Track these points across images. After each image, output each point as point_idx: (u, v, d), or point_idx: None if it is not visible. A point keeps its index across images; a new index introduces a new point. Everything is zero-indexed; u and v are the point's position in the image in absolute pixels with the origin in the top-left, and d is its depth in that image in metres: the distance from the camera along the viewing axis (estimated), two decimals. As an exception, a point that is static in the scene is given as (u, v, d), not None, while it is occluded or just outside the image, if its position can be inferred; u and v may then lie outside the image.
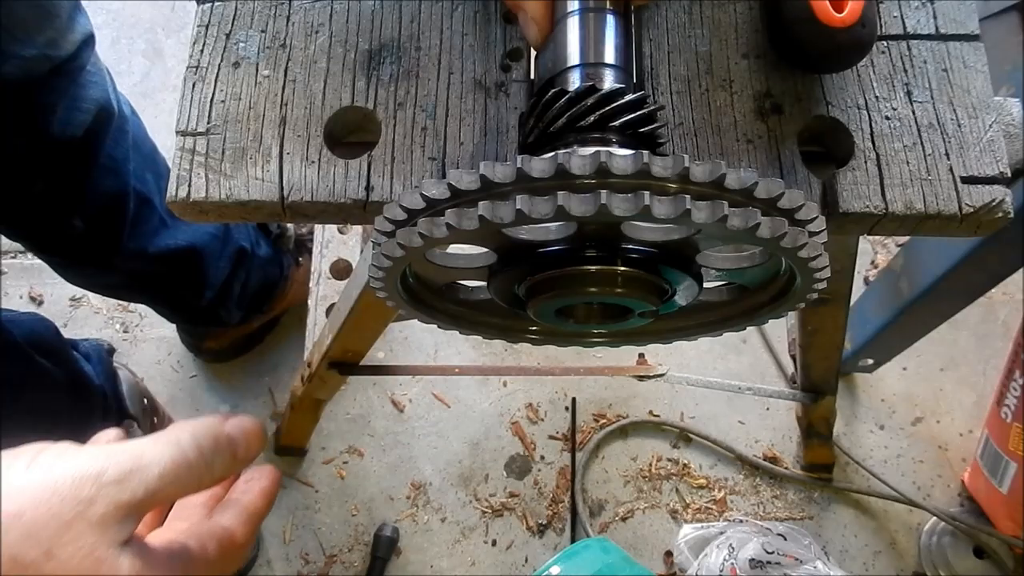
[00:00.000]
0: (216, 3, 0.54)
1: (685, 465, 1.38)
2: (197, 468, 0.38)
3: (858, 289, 1.38)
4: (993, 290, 1.07)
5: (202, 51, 0.53)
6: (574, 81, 0.45)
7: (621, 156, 0.36)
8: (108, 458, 0.36)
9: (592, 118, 0.43)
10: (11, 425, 0.87)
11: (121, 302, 1.48)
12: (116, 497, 0.35)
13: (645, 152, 0.36)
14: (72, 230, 0.99)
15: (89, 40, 0.89)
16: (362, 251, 1.18)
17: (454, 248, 0.46)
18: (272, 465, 0.46)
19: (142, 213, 1.04)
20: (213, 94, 0.52)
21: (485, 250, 0.46)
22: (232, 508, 0.43)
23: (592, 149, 0.38)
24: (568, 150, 0.42)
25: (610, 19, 0.47)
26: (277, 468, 0.44)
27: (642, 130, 0.44)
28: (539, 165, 0.36)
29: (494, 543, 1.34)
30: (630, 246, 0.43)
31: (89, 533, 0.34)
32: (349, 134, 0.53)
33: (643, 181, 0.36)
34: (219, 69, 0.53)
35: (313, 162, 0.50)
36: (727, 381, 1.21)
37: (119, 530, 0.35)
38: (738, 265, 0.48)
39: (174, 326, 1.43)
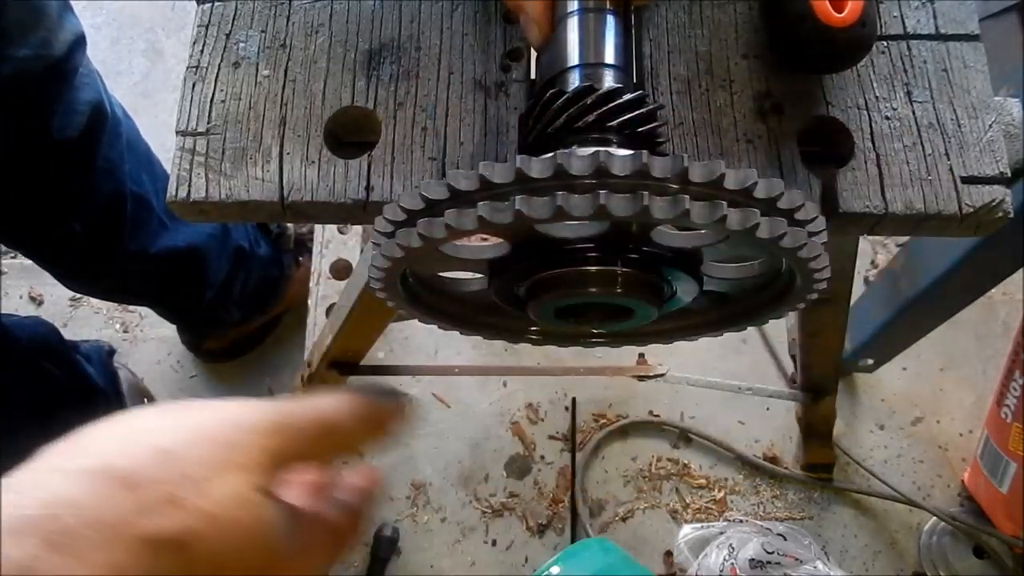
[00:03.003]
0: (216, 3, 0.54)
1: (685, 465, 1.38)
2: (340, 434, 0.38)
3: (858, 289, 1.38)
4: (993, 290, 1.07)
5: (202, 51, 0.53)
6: (573, 81, 0.45)
7: (620, 157, 0.36)
8: (258, 409, 0.36)
9: (590, 118, 0.43)
10: (17, 427, 0.87)
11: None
12: (264, 444, 0.35)
13: (644, 152, 0.36)
14: (72, 235, 0.99)
15: (80, 41, 0.89)
16: (362, 251, 1.18)
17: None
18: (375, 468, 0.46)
19: (140, 215, 1.04)
20: (213, 94, 0.52)
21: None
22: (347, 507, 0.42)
23: (591, 149, 0.38)
24: (567, 150, 0.42)
25: (610, 19, 0.47)
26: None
27: (641, 129, 0.44)
28: (538, 166, 0.36)
29: (494, 543, 1.34)
30: (631, 246, 0.43)
31: (238, 476, 0.34)
32: (349, 134, 0.53)
33: (642, 182, 0.36)
34: (219, 69, 0.53)
35: (313, 162, 0.50)
36: (727, 381, 1.21)
37: (264, 478, 0.35)
38: (739, 276, 0.48)
39: (174, 326, 1.43)
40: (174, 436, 0.34)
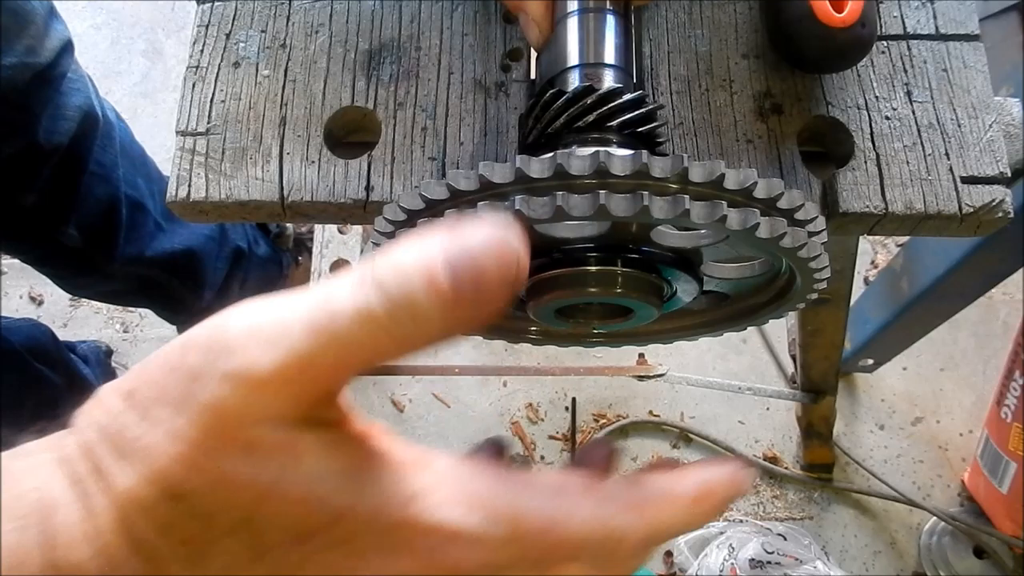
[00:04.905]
0: (216, 3, 0.54)
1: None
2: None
3: (858, 289, 1.38)
4: (993, 290, 1.07)
5: (202, 51, 0.53)
6: (573, 81, 0.45)
7: (620, 157, 0.36)
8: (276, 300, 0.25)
9: (590, 118, 0.42)
10: (14, 431, 0.87)
11: (121, 302, 1.49)
12: (293, 343, 0.24)
13: (644, 152, 0.36)
14: (67, 240, 0.99)
15: (68, 47, 0.89)
16: (362, 251, 1.18)
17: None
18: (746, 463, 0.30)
19: (135, 218, 1.04)
20: (213, 94, 0.52)
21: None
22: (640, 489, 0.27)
23: (591, 149, 0.38)
24: (567, 150, 0.41)
25: (610, 19, 0.46)
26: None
27: (641, 130, 0.44)
28: (538, 166, 0.36)
29: (494, 543, 1.34)
30: (631, 246, 0.43)
31: (236, 396, 0.24)
32: (349, 134, 0.53)
33: (642, 182, 0.36)
34: (219, 69, 0.53)
35: (313, 162, 0.50)
36: (727, 381, 1.21)
37: (290, 392, 0.24)
38: (739, 276, 0.48)
39: (174, 327, 1.42)
40: (150, 359, 0.26)
